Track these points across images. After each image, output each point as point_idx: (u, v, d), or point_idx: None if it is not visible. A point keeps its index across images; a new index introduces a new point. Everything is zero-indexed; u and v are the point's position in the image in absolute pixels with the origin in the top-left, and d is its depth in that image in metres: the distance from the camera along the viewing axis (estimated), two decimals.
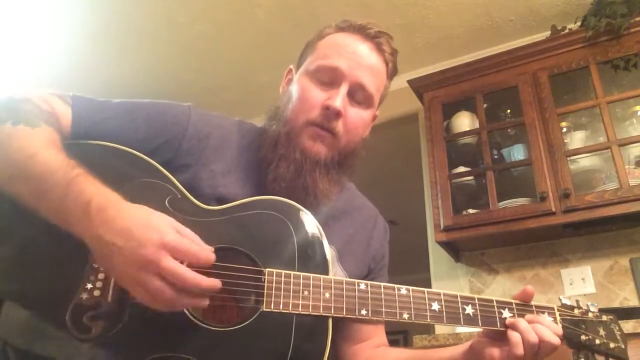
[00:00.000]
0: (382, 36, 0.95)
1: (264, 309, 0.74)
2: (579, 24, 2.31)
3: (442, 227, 2.25)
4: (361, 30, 0.94)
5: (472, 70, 2.45)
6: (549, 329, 0.81)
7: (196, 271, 0.65)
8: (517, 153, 2.29)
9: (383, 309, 0.79)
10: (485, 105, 2.40)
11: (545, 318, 0.84)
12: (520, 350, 0.79)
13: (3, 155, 0.73)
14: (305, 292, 0.76)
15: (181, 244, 0.65)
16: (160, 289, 0.63)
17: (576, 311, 0.90)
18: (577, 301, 0.93)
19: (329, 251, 0.81)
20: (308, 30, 1.02)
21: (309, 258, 0.79)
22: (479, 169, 2.32)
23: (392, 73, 1.00)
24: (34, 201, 0.70)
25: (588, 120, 2.25)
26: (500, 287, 2.37)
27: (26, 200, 0.70)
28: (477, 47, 2.79)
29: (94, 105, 0.87)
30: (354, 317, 0.78)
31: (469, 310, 0.83)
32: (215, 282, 0.67)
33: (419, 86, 2.57)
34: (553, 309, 0.88)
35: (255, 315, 0.74)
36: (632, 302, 2.08)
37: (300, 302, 0.75)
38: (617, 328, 0.91)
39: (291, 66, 1.02)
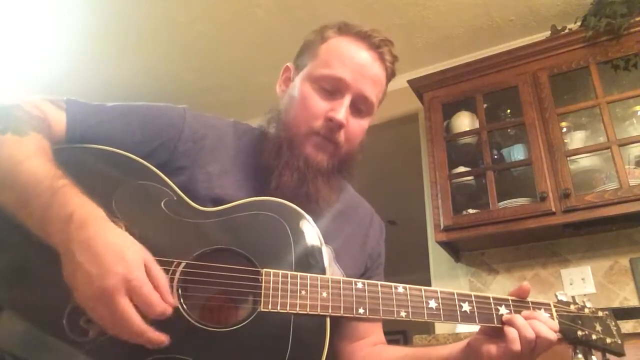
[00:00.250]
0: (385, 46, 0.94)
1: (262, 309, 0.74)
2: (579, 24, 2.31)
3: (442, 227, 2.25)
4: (365, 38, 0.93)
5: (472, 70, 2.45)
6: (545, 325, 0.82)
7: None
8: (517, 153, 2.30)
9: (380, 308, 0.79)
10: (485, 105, 2.40)
11: (542, 314, 0.85)
12: (517, 346, 0.79)
13: None
14: (303, 292, 0.76)
15: (142, 288, 0.64)
16: (109, 322, 0.64)
17: (572, 307, 0.90)
18: (572, 297, 0.93)
19: (325, 251, 0.81)
20: (308, 30, 1.02)
21: (306, 258, 0.80)
22: (479, 169, 2.32)
23: (390, 78, 1.00)
24: (18, 209, 0.70)
25: (588, 120, 2.25)
26: (500, 287, 2.37)
27: (11, 209, 0.70)
28: (477, 47, 2.79)
29: (88, 109, 0.87)
30: (352, 315, 0.78)
31: (466, 307, 0.83)
32: (157, 340, 0.66)
33: (419, 86, 2.57)
34: (549, 305, 0.89)
35: (253, 316, 0.74)
36: (632, 302, 2.08)
37: (298, 301, 0.75)
38: (613, 323, 0.92)
39: (288, 64, 1.01)
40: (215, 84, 3.17)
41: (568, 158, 2.10)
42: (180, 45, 2.83)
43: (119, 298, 0.62)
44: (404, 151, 3.30)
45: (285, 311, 0.75)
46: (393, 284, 0.82)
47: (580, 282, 2.19)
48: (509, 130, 2.41)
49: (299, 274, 0.77)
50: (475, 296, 0.85)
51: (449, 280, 2.50)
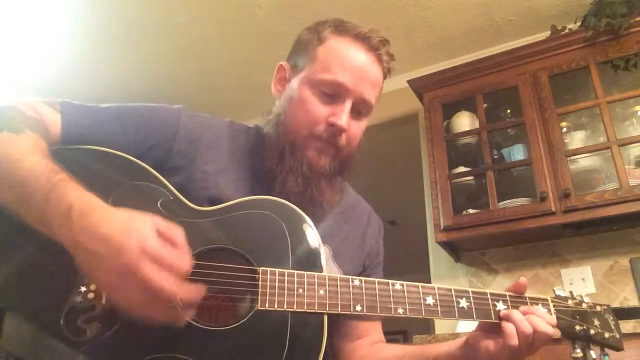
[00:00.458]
0: (383, 47, 0.94)
1: (259, 308, 0.74)
2: (579, 24, 2.31)
3: (442, 227, 2.25)
4: (363, 40, 0.93)
5: (472, 70, 2.45)
6: (543, 320, 0.82)
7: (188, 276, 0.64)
8: (517, 153, 2.30)
9: (378, 305, 0.80)
10: (485, 105, 2.40)
11: (539, 309, 0.85)
12: (514, 341, 0.80)
13: None
14: (300, 290, 0.76)
15: (161, 253, 0.63)
16: (138, 297, 0.62)
17: (570, 302, 0.91)
18: (570, 292, 0.93)
19: (322, 249, 0.81)
20: None
21: (303, 256, 0.80)
22: (479, 169, 2.32)
23: (386, 76, 1.00)
24: (18, 207, 0.70)
25: (588, 120, 2.25)
26: (500, 287, 2.36)
27: (10, 207, 0.70)
28: (477, 47, 2.79)
29: (83, 110, 0.87)
30: (349, 313, 0.78)
31: (464, 303, 0.83)
32: (193, 293, 0.65)
33: (419, 86, 2.56)
34: (547, 300, 0.89)
35: (251, 314, 0.74)
36: (632, 302, 2.08)
37: (295, 299, 0.75)
38: (612, 318, 0.92)
39: (282, 63, 1.00)
40: (215, 84, 3.17)
41: (568, 158, 2.10)
42: (180, 45, 2.83)
43: (144, 268, 0.61)
44: (404, 151, 3.30)
45: (283, 309, 0.75)
46: (390, 281, 0.82)
47: (580, 282, 2.19)
48: (509, 130, 2.41)
49: (296, 272, 0.77)
50: (473, 292, 0.85)
51: (449, 280, 2.50)
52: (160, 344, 0.70)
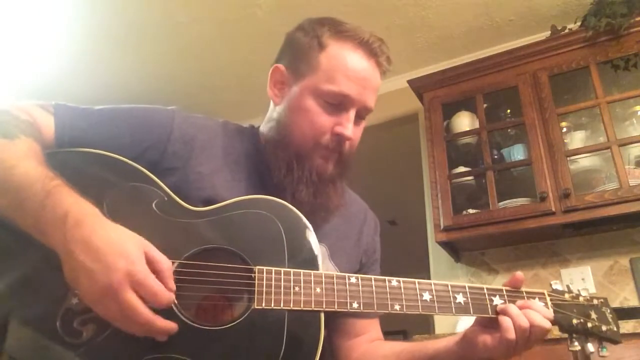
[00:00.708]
0: (382, 53, 0.94)
1: (256, 307, 0.74)
2: (579, 24, 2.31)
3: (442, 227, 2.25)
4: (364, 45, 0.92)
5: (472, 70, 2.45)
6: (539, 314, 0.82)
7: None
8: (517, 153, 2.30)
9: (374, 301, 0.80)
10: (485, 105, 2.40)
11: (536, 303, 0.85)
12: (511, 335, 0.80)
13: None
14: (296, 288, 0.76)
15: (146, 280, 0.65)
16: (117, 316, 0.64)
17: (567, 295, 0.91)
18: (567, 286, 0.93)
19: (318, 247, 0.81)
20: None
21: (299, 254, 0.80)
22: (479, 169, 2.33)
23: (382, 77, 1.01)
24: (12, 212, 0.70)
25: (588, 120, 2.25)
26: None
27: (5, 212, 0.70)
28: (477, 47, 2.79)
29: (77, 113, 0.87)
30: (346, 310, 0.78)
31: (460, 298, 0.84)
32: (168, 327, 0.67)
33: (419, 86, 2.57)
34: (543, 294, 0.89)
35: (247, 313, 0.74)
36: (632, 302, 2.08)
37: (292, 298, 0.75)
38: (609, 311, 0.92)
39: (278, 65, 0.98)
40: (215, 84, 3.17)
41: (568, 158, 2.10)
42: (180, 45, 2.83)
43: (125, 292, 0.63)
44: (404, 151, 3.30)
45: (279, 308, 0.75)
46: (387, 278, 0.82)
47: (580, 282, 2.19)
48: (509, 130, 2.41)
49: (292, 270, 0.77)
50: (469, 287, 0.85)
51: (449, 280, 2.49)
52: (157, 345, 0.70)
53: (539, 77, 2.28)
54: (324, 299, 0.77)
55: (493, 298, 0.85)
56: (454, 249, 2.47)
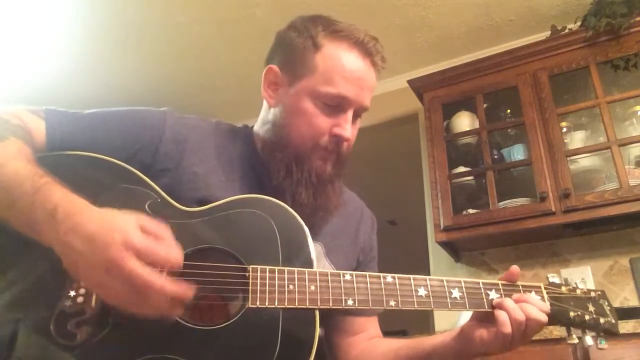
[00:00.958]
0: (377, 53, 0.94)
1: (250, 306, 0.74)
2: (579, 24, 2.31)
3: (442, 227, 2.25)
4: (359, 45, 0.92)
5: (472, 70, 2.45)
6: (535, 307, 0.82)
7: (177, 274, 0.64)
8: (517, 153, 2.29)
9: (369, 298, 0.79)
10: (485, 105, 2.40)
11: (532, 296, 0.85)
12: (508, 328, 0.80)
13: None
14: (291, 286, 0.76)
15: (147, 245, 0.63)
16: (125, 293, 0.62)
17: (564, 288, 0.91)
18: (565, 279, 0.93)
19: (312, 245, 0.81)
20: None
21: (293, 253, 0.80)
22: (479, 169, 2.32)
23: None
24: (4, 212, 0.70)
25: (588, 120, 2.25)
26: None
27: None
28: (477, 47, 2.79)
29: (67, 116, 0.87)
30: (341, 307, 0.78)
31: (456, 293, 0.84)
32: (183, 289, 0.64)
33: (419, 86, 2.56)
34: (540, 287, 0.89)
35: (241, 312, 0.74)
36: (632, 302, 2.08)
37: (286, 296, 0.75)
38: (607, 303, 0.92)
39: (272, 66, 0.97)
40: (215, 84, 3.17)
41: (568, 158, 2.10)
42: (180, 45, 2.83)
43: (127, 262, 0.61)
44: (404, 151, 3.30)
45: (274, 306, 0.75)
46: (382, 274, 0.82)
47: (580, 282, 2.18)
48: (509, 130, 2.41)
49: (286, 268, 0.77)
50: (465, 282, 0.85)
51: None
52: (152, 345, 0.70)
53: (539, 77, 2.28)
54: (319, 297, 0.77)
55: (489, 292, 0.85)
56: (454, 249, 2.47)
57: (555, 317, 0.86)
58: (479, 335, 0.83)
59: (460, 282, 0.85)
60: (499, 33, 2.70)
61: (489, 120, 2.39)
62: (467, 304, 0.83)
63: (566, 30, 2.35)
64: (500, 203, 2.17)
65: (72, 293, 0.71)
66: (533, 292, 0.87)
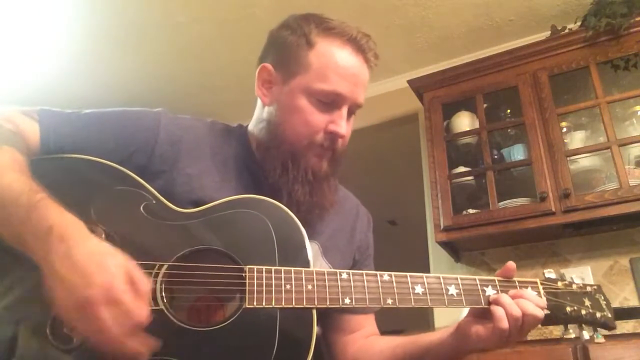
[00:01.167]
0: (370, 50, 0.94)
1: (247, 306, 0.74)
2: (579, 24, 2.31)
3: (442, 227, 2.25)
4: (352, 42, 0.92)
5: (472, 70, 2.45)
6: (531, 302, 0.82)
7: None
8: (517, 153, 2.30)
9: (366, 296, 0.80)
10: (485, 105, 2.40)
11: (528, 292, 0.85)
12: (504, 324, 0.80)
13: None
14: (288, 286, 0.76)
15: (122, 298, 0.62)
16: (89, 332, 0.62)
17: (560, 284, 0.91)
18: (561, 274, 0.93)
19: (309, 245, 0.82)
20: None
21: (289, 253, 0.80)
22: (479, 169, 2.33)
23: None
24: None
25: (588, 120, 2.25)
26: None
27: None
28: (477, 47, 2.79)
29: (62, 118, 0.87)
30: (338, 306, 0.78)
31: (453, 290, 0.84)
32: (138, 349, 0.64)
33: (419, 86, 2.56)
34: (536, 282, 0.89)
35: (238, 313, 0.74)
36: (632, 302, 2.08)
37: (283, 296, 0.75)
38: (603, 297, 0.92)
39: (265, 65, 0.97)
40: (215, 84, 3.17)
41: (568, 158, 2.10)
42: (180, 45, 2.83)
43: (99, 309, 0.61)
44: (404, 151, 3.30)
45: (271, 306, 0.74)
46: (379, 272, 0.82)
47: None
48: (509, 130, 2.41)
49: (282, 268, 0.77)
50: (462, 279, 0.85)
51: None
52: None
53: (539, 77, 2.28)
54: (316, 296, 0.77)
55: (485, 289, 0.85)
56: (454, 249, 2.47)
57: (552, 312, 0.87)
58: (476, 331, 0.84)
59: (457, 279, 0.85)
60: (499, 33, 2.70)
61: (489, 120, 2.39)
62: (463, 300, 0.84)
63: (566, 30, 2.35)
64: (500, 203, 2.17)
65: None
66: (529, 288, 0.87)
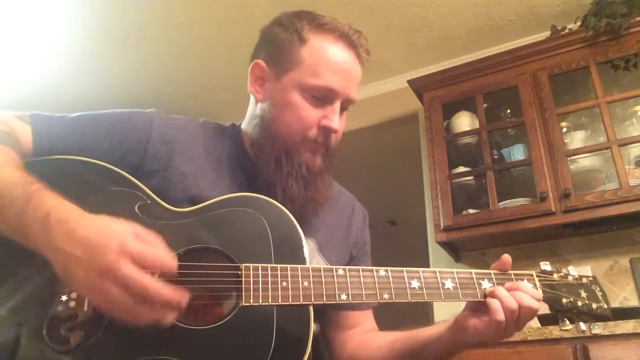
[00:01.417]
0: (361, 45, 0.95)
1: (244, 304, 0.74)
2: (579, 24, 2.31)
3: (442, 227, 2.25)
4: (344, 37, 0.93)
5: (472, 70, 2.45)
6: (527, 294, 0.83)
7: (169, 281, 0.63)
8: (517, 153, 2.30)
9: (363, 292, 0.80)
10: (485, 105, 2.40)
11: (524, 284, 0.86)
12: (500, 316, 0.81)
13: None
14: (284, 283, 0.76)
15: (142, 250, 0.62)
16: (120, 298, 0.61)
17: (555, 275, 0.91)
18: (557, 266, 0.94)
19: (305, 242, 0.82)
20: None
21: (285, 251, 0.80)
22: (479, 169, 2.33)
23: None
24: None
25: (588, 120, 2.25)
26: None
27: None
28: (477, 47, 2.79)
29: (54, 121, 0.88)
30: (335, 302, 0.78)
31: (449, 284, 0.84)
32: (179, 293, 0.63)
33: (419, 86, 2.57)
34: (532, 275, 0.90)
35: (235, 311, 0.74)
36: (632, 302, 2.08)
37: (280, 293, 0.75)
38: (599, 289, 0.93)
39: (258, 61, 0.97)
40: (215, 84, 3.17)
41: (568, 158, 2.10)
42: (180, 45, 2.83)
43: (123, 266, 0.60)
44: (404, 151, 3.30)
45: (268, 304, 0.75)
46: (375, 268, 0.82)
47: None
48: (509, 130, 2.41)
49: (278, 265, 0.77)
50: (458, 272, 0.86)
51: None
52: (147, 347, 0.70)
53: (539, 77, 2.28)
54: (312, 292, 0.77)
55: (482, 282, 0.86)
56: (454, 249, 2.47)
57: (548, 304, 0.87)
58: (473, 324, 0.84)
59: (453, 272, 0.85)
60: (499, 33, 2.70)
61: (489, 120, 2.39)
62: (460, 294, 0.84)
63: (566, 30, 2.35)
64: (500, 203, 2.17)
65: (64, 298, 0.70)
66: (525, 280, 0.88)
